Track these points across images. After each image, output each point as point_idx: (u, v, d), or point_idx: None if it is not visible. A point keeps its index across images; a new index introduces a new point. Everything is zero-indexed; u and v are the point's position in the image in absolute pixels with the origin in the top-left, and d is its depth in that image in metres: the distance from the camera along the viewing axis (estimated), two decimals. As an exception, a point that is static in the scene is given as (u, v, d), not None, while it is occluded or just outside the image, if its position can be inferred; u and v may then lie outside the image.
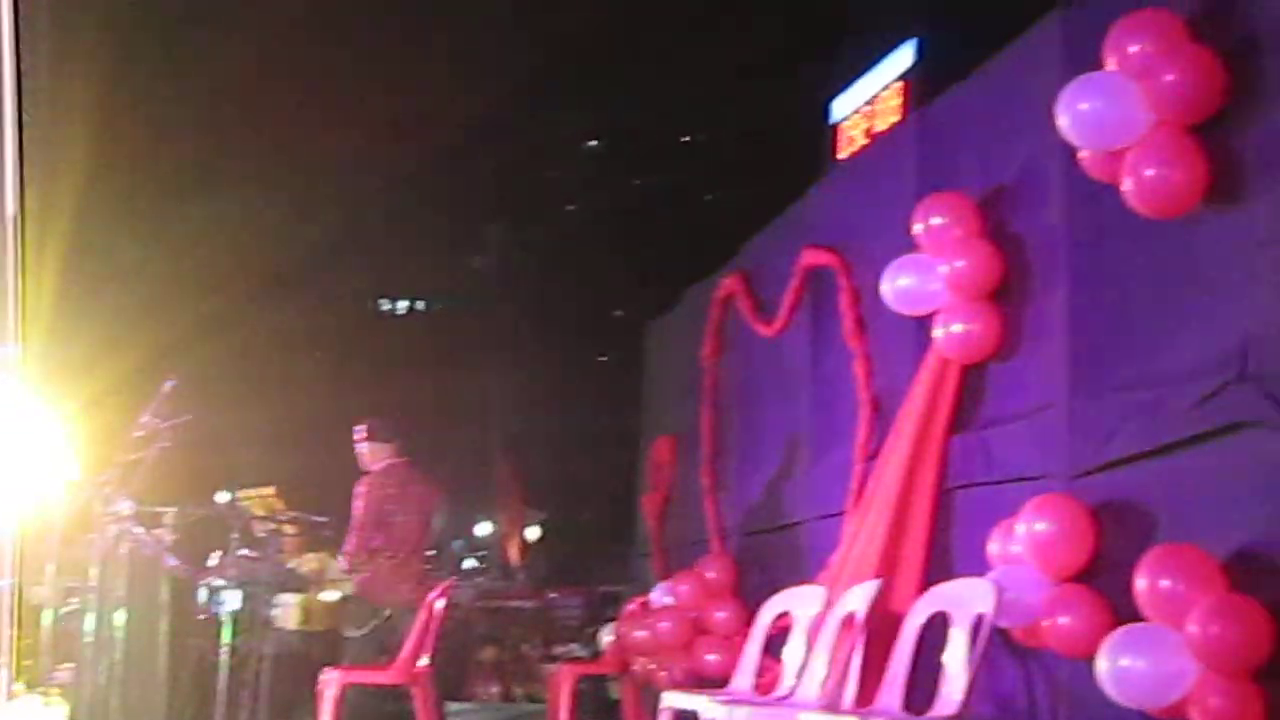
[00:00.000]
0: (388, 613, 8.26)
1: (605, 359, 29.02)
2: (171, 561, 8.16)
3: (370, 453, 8.63)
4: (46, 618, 9.08)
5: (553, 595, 18.07)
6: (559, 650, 14.89)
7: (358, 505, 8.35)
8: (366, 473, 8.53)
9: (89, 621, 8.07)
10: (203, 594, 8.33)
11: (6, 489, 7.69)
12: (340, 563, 8.37)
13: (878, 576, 6.20)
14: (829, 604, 6.42)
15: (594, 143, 33.30)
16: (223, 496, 9.93)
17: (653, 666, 8.53)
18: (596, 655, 10.46)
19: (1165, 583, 4.48)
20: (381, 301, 35.73)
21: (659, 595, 8.82)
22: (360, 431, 8.67)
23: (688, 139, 31.42)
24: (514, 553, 28.08)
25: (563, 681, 9.39)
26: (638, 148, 31.19)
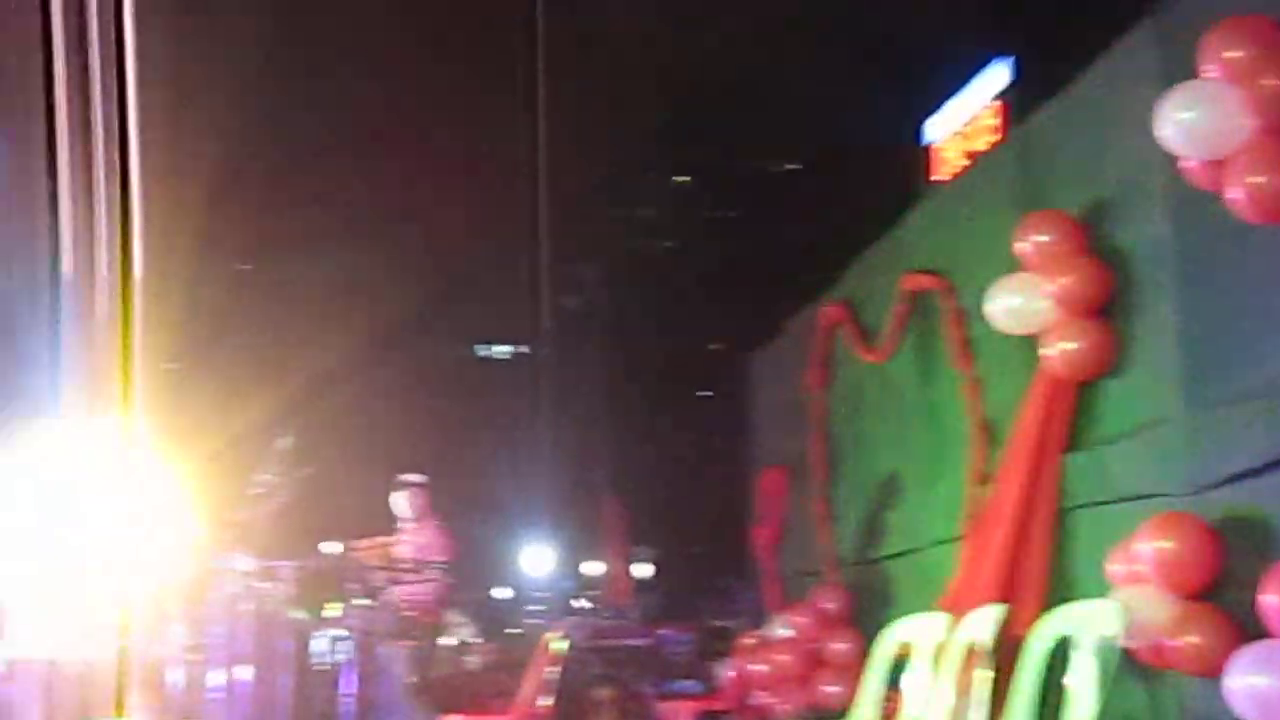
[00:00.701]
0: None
1: (709, 393, 29.03)
2: (294, 614, 8.29)
3: (410, 499, 9.04)
4: (170, 676, 9.20)
5: (663, 631, 18.03)
6: (674, 687, 14.87)
7: (426, 552, 8.88)
8: (410, 520, 9.06)
9: (213, 677, 8.17)
10: (322, 644, 8.44)
11: (128, 551, 7.83)
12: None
13: (997, 601, 6.13)
14: (950, 631, 6.37)
15: (683, 179, 33.41)
16: (333, 548, 10.08)
17: (771, 700, 8.50)
18: (711, 690, 10.44)
19: (1293, 597, 4.39)
20: (479, 347, 36.01)
21: (776, 628, 8.78)
22: (403, 482, 9.20)
23: (778, 169, 31.44)
24: (622, 590, 28.07)
25: (681, 718, 9.38)
26: (728, 181, 31.27)
